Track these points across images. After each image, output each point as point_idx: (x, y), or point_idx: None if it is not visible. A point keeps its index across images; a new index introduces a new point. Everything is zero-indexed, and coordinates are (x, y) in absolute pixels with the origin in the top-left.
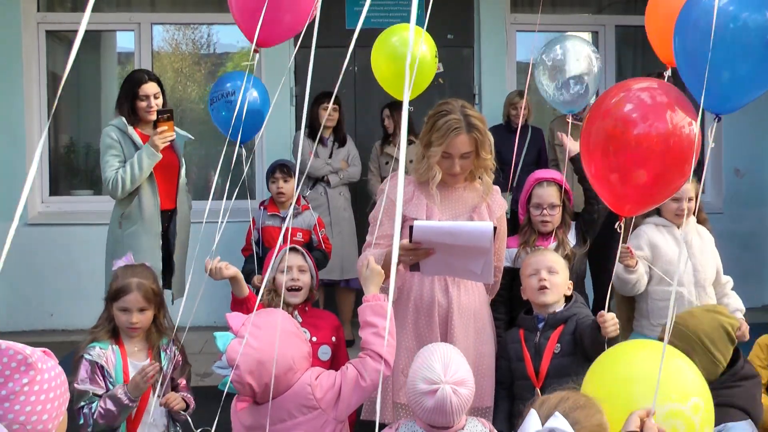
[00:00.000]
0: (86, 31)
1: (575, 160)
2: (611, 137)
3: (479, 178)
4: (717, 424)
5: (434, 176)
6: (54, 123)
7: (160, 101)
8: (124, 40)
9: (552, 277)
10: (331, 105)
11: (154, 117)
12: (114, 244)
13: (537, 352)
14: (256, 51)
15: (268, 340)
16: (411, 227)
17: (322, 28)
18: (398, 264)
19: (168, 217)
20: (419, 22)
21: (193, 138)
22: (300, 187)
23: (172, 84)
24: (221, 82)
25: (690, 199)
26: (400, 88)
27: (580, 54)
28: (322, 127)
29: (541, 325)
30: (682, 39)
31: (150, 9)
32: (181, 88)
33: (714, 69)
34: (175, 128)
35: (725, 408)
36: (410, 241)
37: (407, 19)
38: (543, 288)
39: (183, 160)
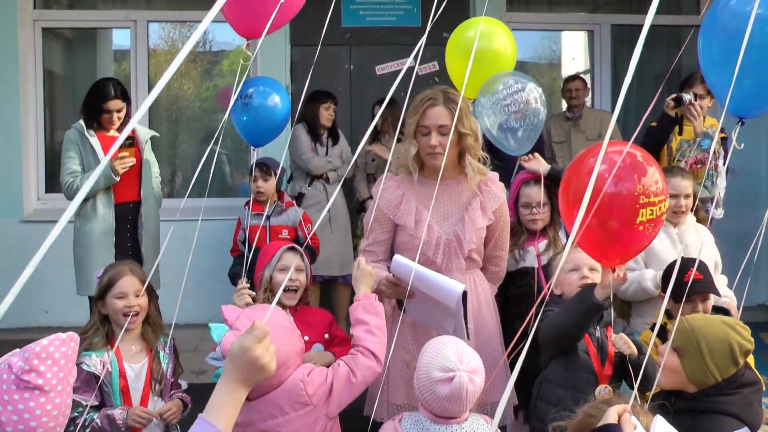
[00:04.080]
0: (82, 29)
1: (551, 177)
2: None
3: (469, 166)
4: None
5: (410, 150)
6: (50, 120)
7: (122, 114)
8: (121, 38)
9: (593, 275)
10: (324, 102)
11: (114, 128)
12: (74, 241)
13: (601, 348)
14: (247, 45)
15: None
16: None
17: (318, 27)
18: (383, 295)
19: (133, 209)
20: (415, 21)
21: (158, 135)
22: (291, 184)
23: (168, 81)
24: (245, 86)
25: (687, 196)
26: (470, 84)
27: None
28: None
29: (599, 322)
30: (708, 42)
31: (146, 6)
32: (176, 85)
33: (739, 74)
34: (141, 126)
35: (719, 416)
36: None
37: (402, 18)
38: (585, 285)
39: (150, 154)
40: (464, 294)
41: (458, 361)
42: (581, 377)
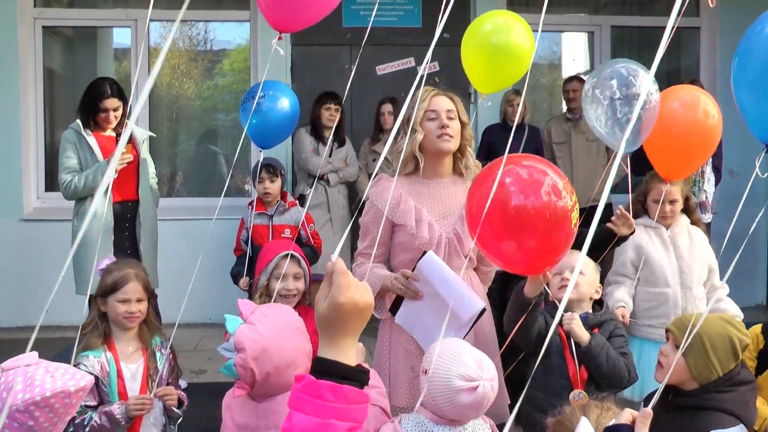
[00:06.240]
0: (83, 27)
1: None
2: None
3: (465, 168)
4: (707, 429)
5: (416, 138)
6: (50, 119)
7: (119, 113)
8: (121, 37)
9: None
10: (325, 103)
11: (111, 128)
12: (72, 239)
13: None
14: (279, 38)
15: (275, 331)
16: (423, 254)
17: (319, 27)
18: (391, 290)
19: (131, 208)
20: (416, 22)
21: (154, 135)
22: (294, 186)
23: (169, 80)
24: (256, 87)
25: (675, 201)
26: (487, 81)
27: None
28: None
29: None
30: (743, 68)
31: (147, 5)
32: (177, 84)
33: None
34: (137, 127)
35: (716, 413)
36: (413, 270)
37: (404, 18)
38: (564, 287)
39: (147, 155)
40: (481, 312)
41: (479, 369)
42: (556, 381)
